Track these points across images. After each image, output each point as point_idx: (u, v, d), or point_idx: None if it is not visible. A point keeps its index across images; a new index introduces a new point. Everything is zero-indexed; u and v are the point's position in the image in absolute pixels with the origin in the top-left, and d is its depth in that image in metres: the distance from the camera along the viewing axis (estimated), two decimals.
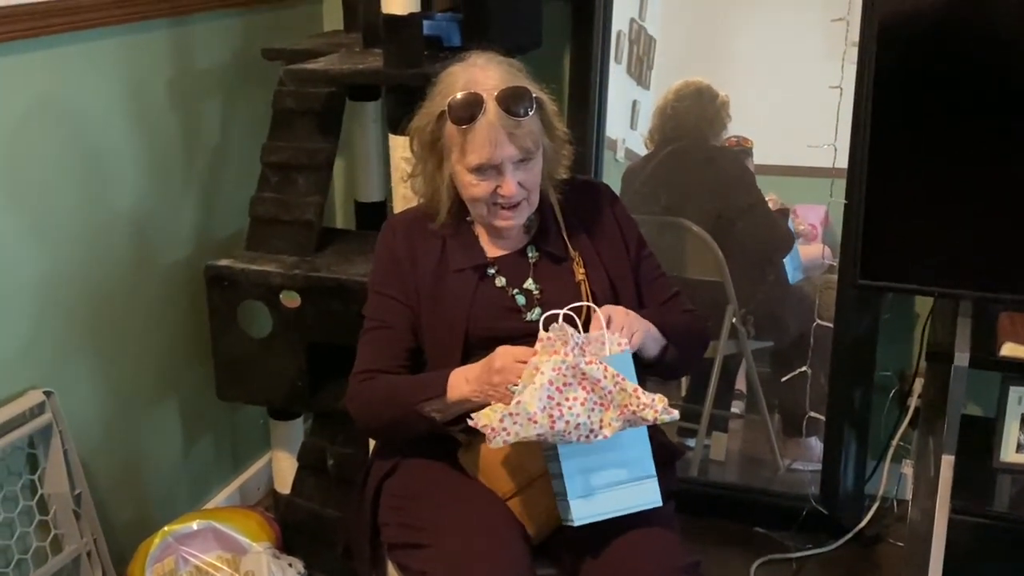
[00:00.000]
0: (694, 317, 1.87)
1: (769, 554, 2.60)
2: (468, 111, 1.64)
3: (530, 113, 1.66)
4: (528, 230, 1.81)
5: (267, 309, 2.34)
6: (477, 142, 1.65)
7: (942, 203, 2.02)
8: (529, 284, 1.78)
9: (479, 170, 1.67)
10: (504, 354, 1.57)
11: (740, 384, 2.92)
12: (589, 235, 1.82)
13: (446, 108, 1.67)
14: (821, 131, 2.52)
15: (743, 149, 2.70)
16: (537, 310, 1.75)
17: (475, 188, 1.70)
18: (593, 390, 1.50)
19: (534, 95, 1.68)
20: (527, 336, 1.62)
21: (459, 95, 1.66)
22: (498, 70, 1.70)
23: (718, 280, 2.69)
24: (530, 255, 1.80)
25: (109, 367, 2.36)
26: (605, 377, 1.50)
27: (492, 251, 1.80)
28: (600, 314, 1.61)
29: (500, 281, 1.77)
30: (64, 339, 2.23)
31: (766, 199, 2.69)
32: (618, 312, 1.65)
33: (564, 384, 1.49)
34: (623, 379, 1.52)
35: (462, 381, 1.63)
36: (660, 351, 1.72)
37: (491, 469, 1.70)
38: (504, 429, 1.47)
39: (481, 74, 1.69)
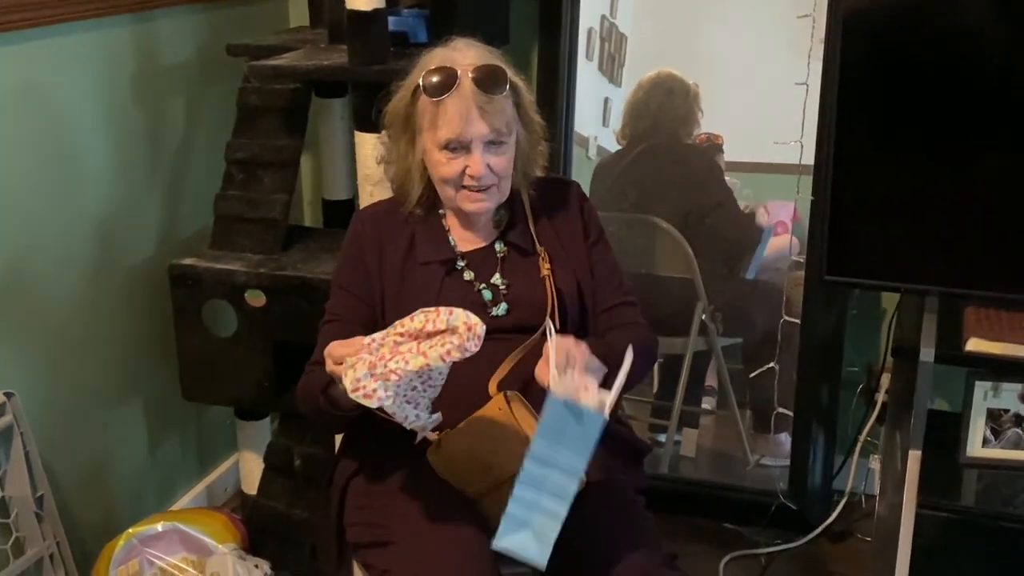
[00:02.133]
0: (640, 332, 1.82)
1: (738, 550, 2.60)
2: (442, 84, 1.66)
3: (504, 93, 1.67)
4: (498, 225, 1.81)
5: (232, 308, 2.32)
6: (449, 116, 1.66)
7: (908, 199, 2.02)
8: (496, 279, 1.77)
9: (449, 147, 1.67)
10: (332, 345, 1.55)
11: (711, 380, 2.93)
12: (556, 232, 1.82)
13: (420, 81, 1.68)
14: (788, 128, 2.52)
15: (713, 145, 2.70)
16: (504, 305, 1.75)
17: (444, 167, 1.69)
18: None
19: (510, 78, 1.70)
20: (492, 332, 1.61)
21: (434, 68, 1.68)
22: (477, 51, 1.72)
23: (688, 277, 2.70)
24: (498, 249, 1.80)
25: (71, 367, 2.33)
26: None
27: (462, 245, 1.80)
28: (552, 345, 1.55)
29: (468, 275, 1.77)
30: (25, 339, 2.20)
31: (736, 200, 2.69)
32: (568, 344, 1.58)
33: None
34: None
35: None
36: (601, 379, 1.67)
37: (460, 470, 1.69)
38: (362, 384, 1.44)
39: (459, 54, 1.71)
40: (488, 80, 1.66)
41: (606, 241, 1.88)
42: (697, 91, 2.68)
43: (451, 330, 1.43)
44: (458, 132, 1.66)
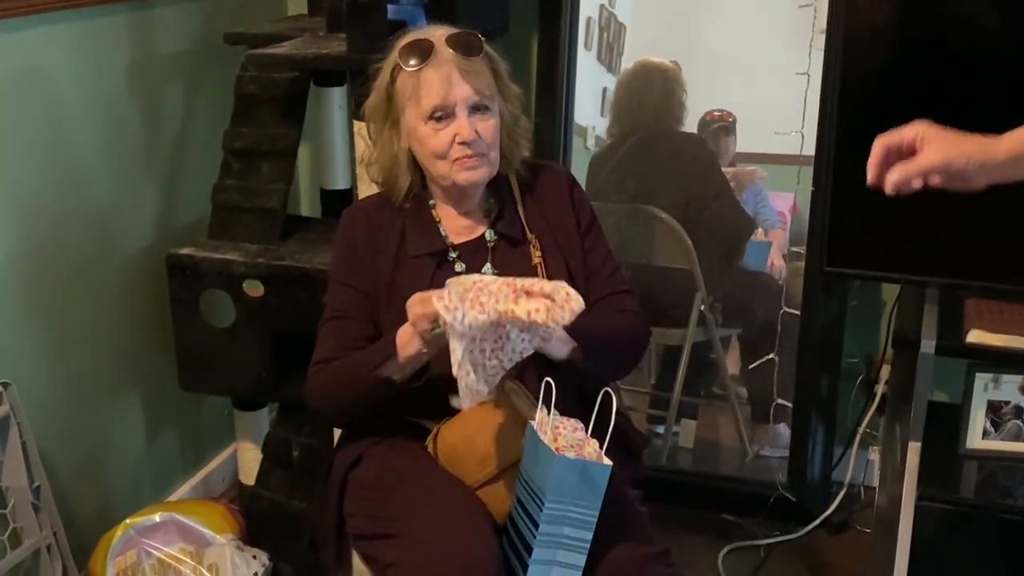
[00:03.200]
0: (629, 319, 1.81)
1: (737, 541, 2.60)
2: (418, 53, 1.68)
3: (481, 55, 1.69)
4: (488, 214, 1.80)
5: (230, 298, 2.31)
6: (430, 84, 1.67)
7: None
8: (487, 269, 1.76)
9: (434, 115, 1.67)
10: (414, 296, 1.57)
11: (733, 368, 2.92)
12: (547, 219, 1.81)
13: (397, 58, 1.69)
14: (789, 118, 2.52)
15: (724, 125, 2.68)
16: None
17: (432, 140, 1.69)
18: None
19: (485, 44, 1.71)
20: None
21: (408, 42, 1.69)
22: (446, 27, 1.74)
23: (687, 267, 2.69)
24: (488, 239, 1.79)
25: (69, 358, 2.32)
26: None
27: (453, 237, 1.79)
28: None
29: (460, 266, 1.76)
30: (22, 329, 2.19)
31: (751, 169, 2.69)
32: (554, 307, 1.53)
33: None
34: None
35: (405, 333, 1.61)
36: (569, 354, 1.67)
37: (459, 459, 1.68)
38: (454, 307, 1.44)
39: (431, 30, 1.73)
40: (464, 43, 1.68)
41: (599, 227, 1.86)
42: (677, 71, 2.67)
43: (549, 297, 1.42)
44: (442, 96, 1.66)
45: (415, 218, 1.79)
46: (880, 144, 1.44)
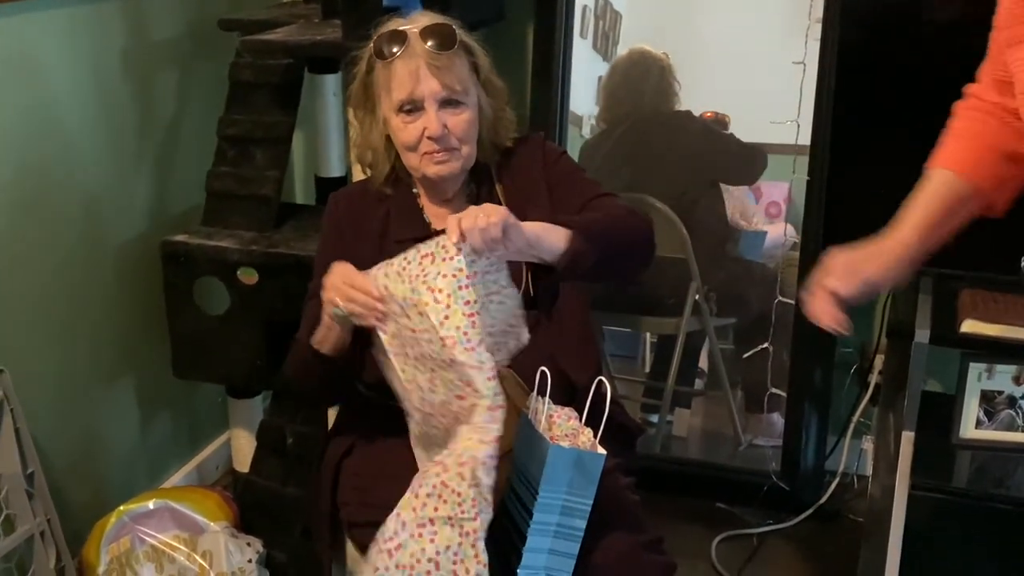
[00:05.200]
0: (623, 209, 1.74)
1: (730, 530, 2.61)
2: (391, 44, 1.67)
3: (453, 49, 1.66)
4: (471, 199, 1.79)
5: (224, 286, 2.31)
6: (399, 76, 1.66)
7: (904, 180, 2.01)
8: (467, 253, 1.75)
9: (404, 108, 1.67)
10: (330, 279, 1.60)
11: (702, 363, 2.92)
12: (524, 194, 1.78)
13: (371, 46, 1.69)
14: (784, 107, 2.51)
15: (720, 124, 2.68)
16: None
17: (403, 132, 1.69)
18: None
19: (461, 37, 1.69)
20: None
21: (384, 32, 1.69)
22: (429, 16, 1.72)
23: (681, 257, 2.69)
24: None
25: (62, 344, 2.31)
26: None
27: (436, 223, 1.78)
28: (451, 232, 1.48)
29: None
30: (15, 316, 2.18)
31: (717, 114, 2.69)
32: (466, 215, 1.47)
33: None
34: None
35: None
36: (566, 243, 1.58)
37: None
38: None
39: (412, 21, 1.71)
40: (435, 37, 1.66)
41: (571, 173, 1.81)
42: (670, 64, 2.67)
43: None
44: (409, 90, 1.66)
45: (399, 204, 1.80)
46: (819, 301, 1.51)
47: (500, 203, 1.77)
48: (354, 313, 1.55)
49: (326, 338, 1.66)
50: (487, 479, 1.43)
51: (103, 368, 2.46)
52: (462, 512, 1.42)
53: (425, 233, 1.76)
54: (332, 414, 2.08)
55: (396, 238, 1.76)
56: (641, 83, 2.71)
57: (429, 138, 1.68)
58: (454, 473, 1.43)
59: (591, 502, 1.50)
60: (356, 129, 1.83)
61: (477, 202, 1.77)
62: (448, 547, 1.43)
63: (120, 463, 2.54)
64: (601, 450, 1.49)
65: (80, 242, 2.33)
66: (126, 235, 2.47)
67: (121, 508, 2.28)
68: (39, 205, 2.21)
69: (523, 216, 1.70)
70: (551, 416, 1.53)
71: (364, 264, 1.74)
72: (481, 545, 1.43)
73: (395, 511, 1.47)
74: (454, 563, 1.42)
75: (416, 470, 1.67)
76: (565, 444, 1.47)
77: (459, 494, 1.42)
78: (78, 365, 2.37)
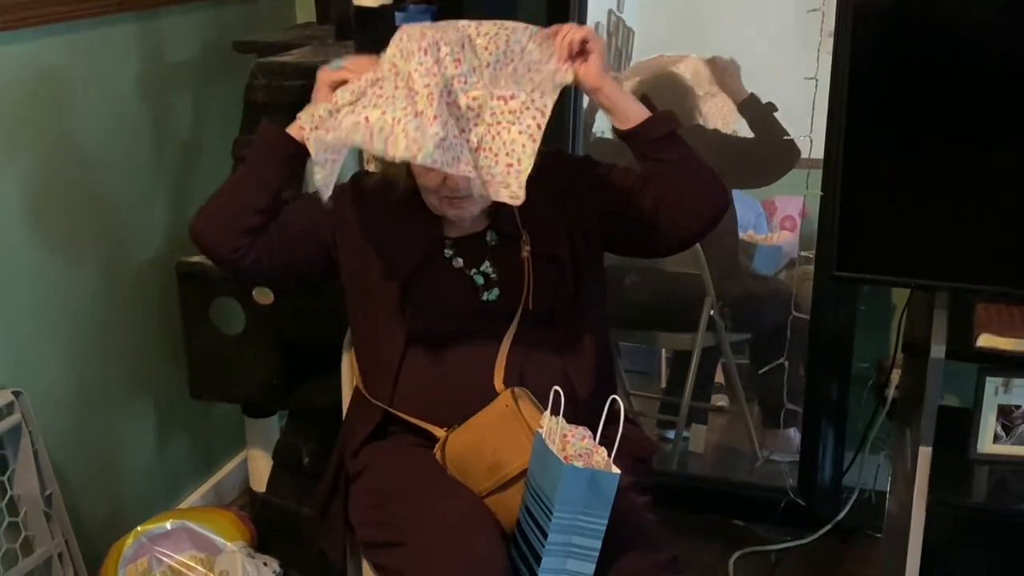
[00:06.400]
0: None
1: (747, 546, 2.60)
2: None
3: None
4: (489, 212, 1.78)
5: (240, 306, 2.32)
6: None
7: (918, 194, 2.01)
8: (485, 266, 1.76)
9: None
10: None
11: (719, 377, 2.92)
12: (543, 206, 1.76)
13: None
14: (797, 122, 2.51)
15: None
16: (496, 290, 1.75)
17: (423, 177, 1.69)
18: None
19: None
20: (485, 315, 1.71)
21: None
22: None
23: (696, 272, 2.69)
24: (489, 239, 1.78)
25: (79, 366, 2.32)
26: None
27: (452, 231, 1.78)
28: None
29: (458, 263, 1.76)
30: (33, 338, 2.19)
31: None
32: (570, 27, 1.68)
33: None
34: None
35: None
36: (646, 123, 1.67)
37: (467, 467, 1.68)
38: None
39: None
40: None
41: (603, 167, 1.83)
42: (684, 84, 2.68)
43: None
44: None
45: (418, 205, 1.77)
46: None
47: (515, 219, 1.77)
48: (348, 69, 1.65)
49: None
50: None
51: (120, 389, 2.47)
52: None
53: (438, 235, 1.77)
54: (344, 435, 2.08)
55: (409, 232, 1.76)
56: (670, 106, 2.71)
57: (450, 188, 1.66)
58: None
59: (606, 522, 1.49)
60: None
61: (495, 216, 1.78)
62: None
63: (137, 484, 2.55)
64: (615, 469, 1.49)
65: (97, 263, 2.35)
66: (143, 255, 2.49)
67: (139, 529, 2.29)
68: (58, 226, 2.23)
69: (546, 227, 1.71)
70: (565, 435, 1.53)
71: (353, 242, 1.77)
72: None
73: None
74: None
75: (436, 491, 1.67)
76: (579, 464, 1.47)
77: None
78: (95, 386, 2.38)
